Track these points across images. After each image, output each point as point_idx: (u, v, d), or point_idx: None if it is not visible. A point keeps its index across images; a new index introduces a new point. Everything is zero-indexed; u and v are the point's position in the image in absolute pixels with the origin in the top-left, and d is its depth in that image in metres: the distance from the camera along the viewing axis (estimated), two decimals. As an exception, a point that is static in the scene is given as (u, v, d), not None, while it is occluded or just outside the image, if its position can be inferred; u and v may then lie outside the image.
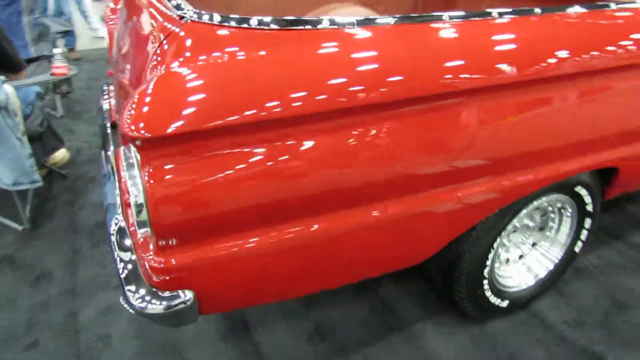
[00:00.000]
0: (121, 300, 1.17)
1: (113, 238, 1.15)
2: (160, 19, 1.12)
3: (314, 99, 0.95)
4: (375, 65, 1.02)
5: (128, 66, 1.28)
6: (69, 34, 4.28)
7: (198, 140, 0.90)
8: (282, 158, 0.97)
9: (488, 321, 1.77)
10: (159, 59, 0.99)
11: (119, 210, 1.25)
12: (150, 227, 0.92)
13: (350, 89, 0.98)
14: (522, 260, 1.79)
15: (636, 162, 1.64)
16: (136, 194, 0.91)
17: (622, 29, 1.38)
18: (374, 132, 1.05)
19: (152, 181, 0.89)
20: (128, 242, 1.13)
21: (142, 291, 1.02)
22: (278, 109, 0.91)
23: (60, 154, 2.84)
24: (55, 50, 2.73)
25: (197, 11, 1.04)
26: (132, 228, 1.11)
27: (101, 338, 1.72)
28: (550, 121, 1.33)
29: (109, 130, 1.77)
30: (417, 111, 1.09)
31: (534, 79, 1.21)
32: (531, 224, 1.76)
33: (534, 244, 1.80)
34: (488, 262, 1.56)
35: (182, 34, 1.00)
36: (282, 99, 0.92)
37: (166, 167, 0.90)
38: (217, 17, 1.00)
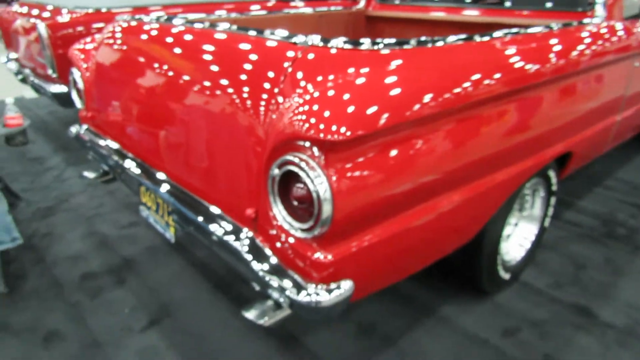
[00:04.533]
0: (248, 315, 1.23)
1: (249, 256, 1.21)
2: (268, 48, 1.26)
3: (445, 98, 1.19)
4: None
5: (216, 93, 1.35)
6: None
7: (369, 140, 1.05)
8: (430, 148, 1.17)
9: (494, 295, 2.06)
10: (295, 78, 1.12)
11: (243, 231, 1.30)
12: (330, 223, 1.03)
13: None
14: (511, 238, 2.14)
15: (583, 146, 2.11)
16: (322, 192, 1.02)
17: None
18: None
19: (336, 180, 1.02)
20: (265, 252, 1.20)
21: (306, 289, 1.10)
22: (429, 106, 1.13)
23: (3, 214, 2.58)
24: (8, 100, 2.51)
25: (320, 37, 1.21)
26: (284, 232, 1.19)
27: (155, 379, 1.65)
28: (542, 118, 1.70)
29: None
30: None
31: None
32: (515, 206, 2.12)
33: (516, 224, 2.16)
34: (501, 240, 1.86)
35: (311, 56, 1.15)
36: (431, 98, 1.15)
37: (347, 166, 1.03)
38: (338, 42, 1.18)
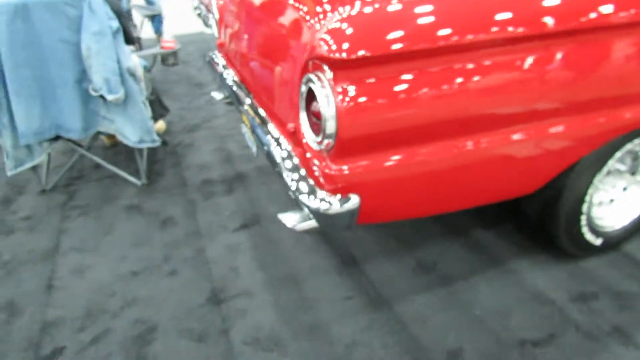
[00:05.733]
0: (282, 217, 1.39)
1: (281, 162, 1.37)
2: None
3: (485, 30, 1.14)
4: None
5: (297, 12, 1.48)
6: (155, 20, 4.63)
7: (379, 64, 1.10)
8: (448, 83, 1.16)
9: (581, 259, 1.90)
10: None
11: (283, 143, 1.46)
12: (335, 138, 1.12)
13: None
14: (613, 203, 1.90)
15: None
16: (327, 109, 1.11)
17: None
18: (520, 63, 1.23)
19: (341, 97, 1.09)
20: (295, 162, 1.35)
21: (317, 196, 1.23)
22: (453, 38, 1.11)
23: (158, 125, 3.14)
24: (165, 28, 3.01)
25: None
26: (307, 144, 1.31)
27: (231, 269, 1.96)
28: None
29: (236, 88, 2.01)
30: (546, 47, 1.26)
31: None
32: (623, 168, 1.87)
33: (624, 188, 1.91)
34: (587, 198, 1.69)
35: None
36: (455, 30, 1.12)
37: (354, 85, 1.10)
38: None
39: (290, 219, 1.39)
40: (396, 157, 1.21)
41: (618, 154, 1.68)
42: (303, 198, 1.25)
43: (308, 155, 1.29)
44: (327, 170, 1.21)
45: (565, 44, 1.30)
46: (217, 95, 2.65)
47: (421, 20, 1.14)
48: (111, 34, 2.14)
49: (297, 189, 1.29)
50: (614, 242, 1.91)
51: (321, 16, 1.22)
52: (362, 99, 1.11)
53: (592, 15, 1.28)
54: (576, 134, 1.45)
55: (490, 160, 1.36)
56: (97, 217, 2.35)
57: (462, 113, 1.23)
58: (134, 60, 2.35)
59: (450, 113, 1.22)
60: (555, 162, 1.52)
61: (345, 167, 1.19)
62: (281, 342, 1.62)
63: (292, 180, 1.32)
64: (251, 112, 1.78)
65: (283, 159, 1.38)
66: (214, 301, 1.81)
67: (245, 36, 1.91)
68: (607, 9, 1.30)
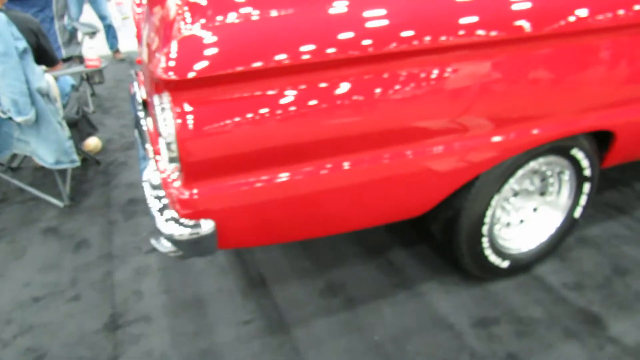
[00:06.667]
0: (153, 241, 1.34)
1: (146, 183, 1.33)
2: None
3: (322, 50, 1.10)
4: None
5: (152, 33, 1.45)
6: (110, 36, 4.57)
7: (222, 85, 1.06)
8: (294, 104, 1.13)
9: (490, 282, 1.87)
10: (181, 17, 1.15)
11: (152, 162, 1.42)
12: (178, 161, 1.08)
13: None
14: (523, 225, 1.89)
15: (633, 128, 1.71)
16: (167, 132, 1.07)
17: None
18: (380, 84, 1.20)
19: (180, 120, 1.05)
20: (156, 184, 1.31)
21: (171, 221, 1.18)
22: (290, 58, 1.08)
23: (94, 143, 3.09)
24: (88, 44, 2.98)
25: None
26: (163, 169, 1.28)
27: (135, 293, 1.90)
28: (543, 82, 1.41)
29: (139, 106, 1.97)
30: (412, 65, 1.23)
31: (536, 36, 1.31)
32: (531, 188, 1.85)
33: (534, 209, 1.90)
34: (486, 220, 1.66)
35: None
36: (292, 49, 1.08)
37: (195, 107, 1.06)
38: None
39: (159, 243, 1.35)
40: (252, 180, 1.17)
41: (520, 173, 1.66)
42: (159, 222, 1.21)
43: (164, 176, 1.25)
44: (180, 195, 1.17)
45: (450, 59, 1.26)
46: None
47: (270, 37, 1.09)
48: (17, 55, 2.10)
49: (156, 212, 1.25)
50: (523, 265, 1.88)
51: (172, 31, 1.18)
52: (204, 122, 1.07)
53: (490, 29, 1.25)
54: (464, 153, 1.41)
55: (363, 182, 1.32)
56: (11, 241, 2.28)
57: (322, 134, 1.19)
58: (48, 80, 2.30)
59: (308, 134, 1.18)
60: (443, 182, 1.49)
61: (196, 192, 1.15)
62: (168, 370, 1.57)
63: (153, 200, 1.28)
64: (140, 134, 1.75)
65: (146, 181, 1.34)
66: (111, 327, 1.75)
67: (144, 50, 1.88)
68: (519, 23, 1.27)
